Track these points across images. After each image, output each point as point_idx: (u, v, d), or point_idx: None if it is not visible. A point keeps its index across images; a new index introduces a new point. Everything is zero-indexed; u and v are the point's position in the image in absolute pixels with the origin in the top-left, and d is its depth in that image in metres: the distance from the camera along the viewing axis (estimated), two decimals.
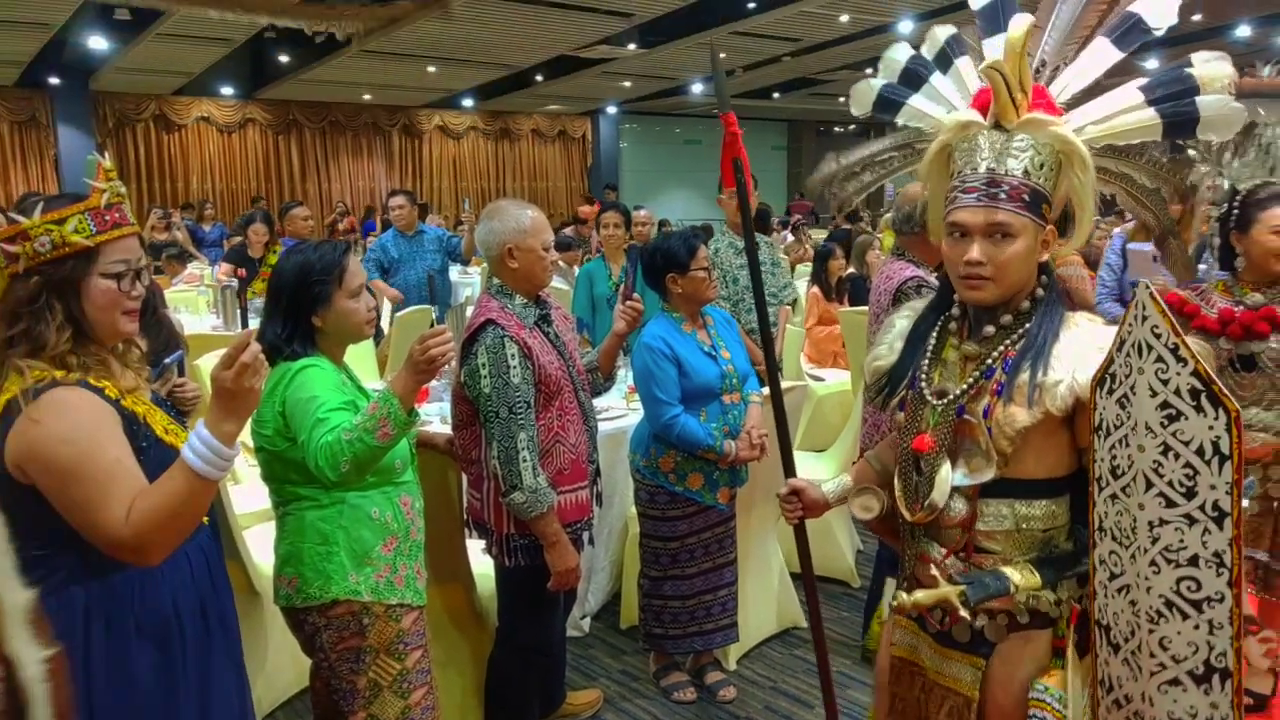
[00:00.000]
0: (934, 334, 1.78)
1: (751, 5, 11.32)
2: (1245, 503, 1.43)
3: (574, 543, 2.67)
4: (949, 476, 1.67)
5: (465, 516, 2.83)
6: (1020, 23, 1.60)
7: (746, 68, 15.11)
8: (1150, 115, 1.62)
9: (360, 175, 18.32)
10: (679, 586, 3.10)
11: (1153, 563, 1.41)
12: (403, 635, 2.22)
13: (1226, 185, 2.79)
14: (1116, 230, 4.36)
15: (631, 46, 13.18)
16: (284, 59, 13.66)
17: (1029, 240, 1.61)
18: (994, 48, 1.72)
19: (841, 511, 4.14)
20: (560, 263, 7.89)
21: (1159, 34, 1.65)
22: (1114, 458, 1.45)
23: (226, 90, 16.02)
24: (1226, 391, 1.31)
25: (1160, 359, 1.36)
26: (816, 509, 2.01)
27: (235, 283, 6.47)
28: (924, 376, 1.75)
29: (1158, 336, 1.36)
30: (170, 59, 12.74)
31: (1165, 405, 1.35)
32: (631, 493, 3.30)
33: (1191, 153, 2.51)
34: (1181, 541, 1.38)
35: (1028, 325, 1.65)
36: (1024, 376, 1.60)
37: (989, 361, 1.67)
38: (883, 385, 1.85)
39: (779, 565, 3.74)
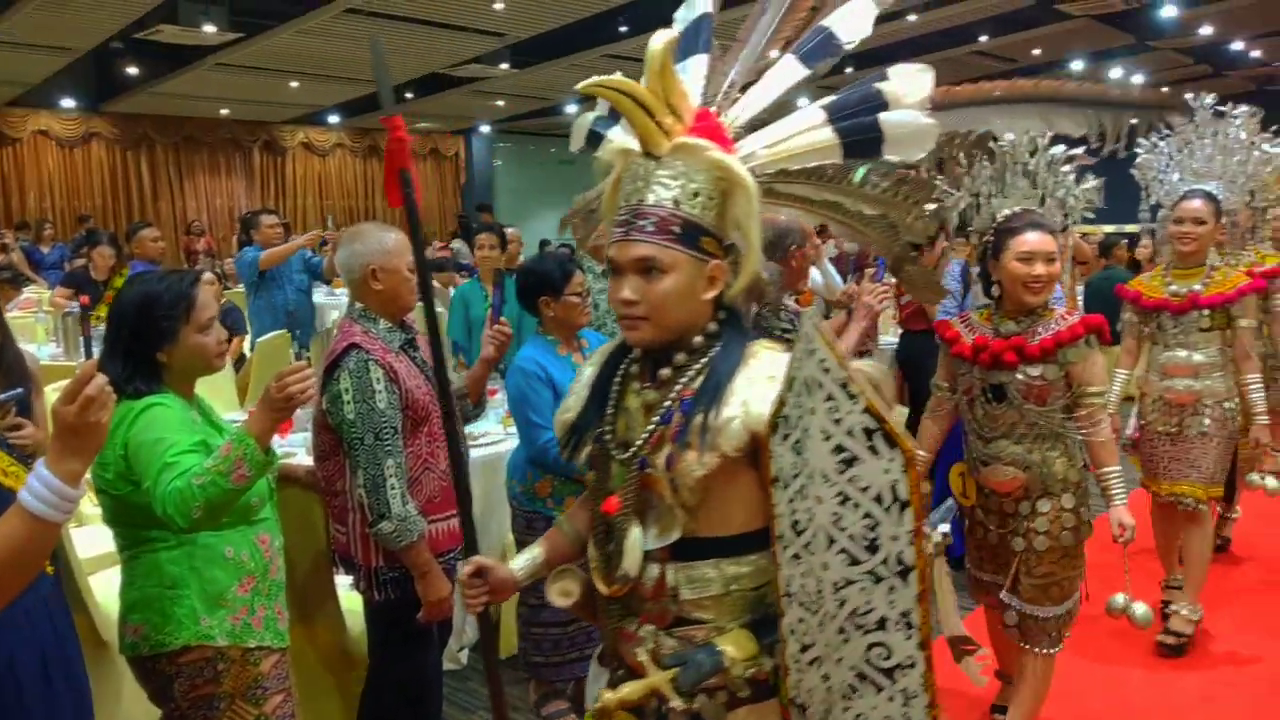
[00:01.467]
0: (616, 380, 1.61)
1: (624, 29, 11.42)
2: (931, 546, 1.45)
3: (447, 572, 2.59)
4: (639, 541, 1.50)
5: (331, 551, 2.71)
6: (659, 38, 1.42)
7: None
8: (827, 135, 1.48)
9: (218, 194, 17.53)
10: (558, 613, 3.01)
11: (841, 629, 1.29)
12: (261, 680, 2.11)
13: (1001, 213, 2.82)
14: (955, 257, 4.51)
15: (504, 66, 13.10)
16: (133, 70, 12.98)
17: (685, 276, 1.46)
18: (687, 71, 1.58)
19: None
20: (434, 284, 7.80)
21: (850, 48, 1.56)
22: (794, 511, 1.31)
23: (68, 102, 15.07)
24: (898, 429, 1.21)
25: (831, 397, 1.24)
26: (505, 590, 1.74)
27: (77, 308, 6.07)
28: (609, 429, 1.58)
29: (826, 371, 1.24)
30: (3, 68, 11.93)
31: (839, 449, 1.23)
32: (509, 520, 3.23)
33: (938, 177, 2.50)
34: (868, 603, 1.26)
35: (706, 361, 1.51)
36: (699, 418, 1.45)
37: (666, 405, 1.51)
38: (569, 440, 1.66)
39: None
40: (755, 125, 1.55)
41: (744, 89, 1.61)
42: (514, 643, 3.32)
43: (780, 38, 1.62)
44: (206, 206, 17.22)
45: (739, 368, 1.48)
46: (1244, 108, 4.04)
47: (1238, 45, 16.24)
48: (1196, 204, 3.59)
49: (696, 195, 1.45)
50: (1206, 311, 3.56)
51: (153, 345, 2.05)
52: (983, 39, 13.79)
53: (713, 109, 1.55)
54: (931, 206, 1.62)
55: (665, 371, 1.53)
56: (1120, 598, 2.75)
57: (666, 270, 1.45)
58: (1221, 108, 3.96)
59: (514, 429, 3.39)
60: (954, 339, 2.81)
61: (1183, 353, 3.60)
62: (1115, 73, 16.96)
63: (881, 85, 1.48)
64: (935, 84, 1.48)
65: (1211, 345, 3.59)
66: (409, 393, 2.49)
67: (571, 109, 16.98)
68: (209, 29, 10.04)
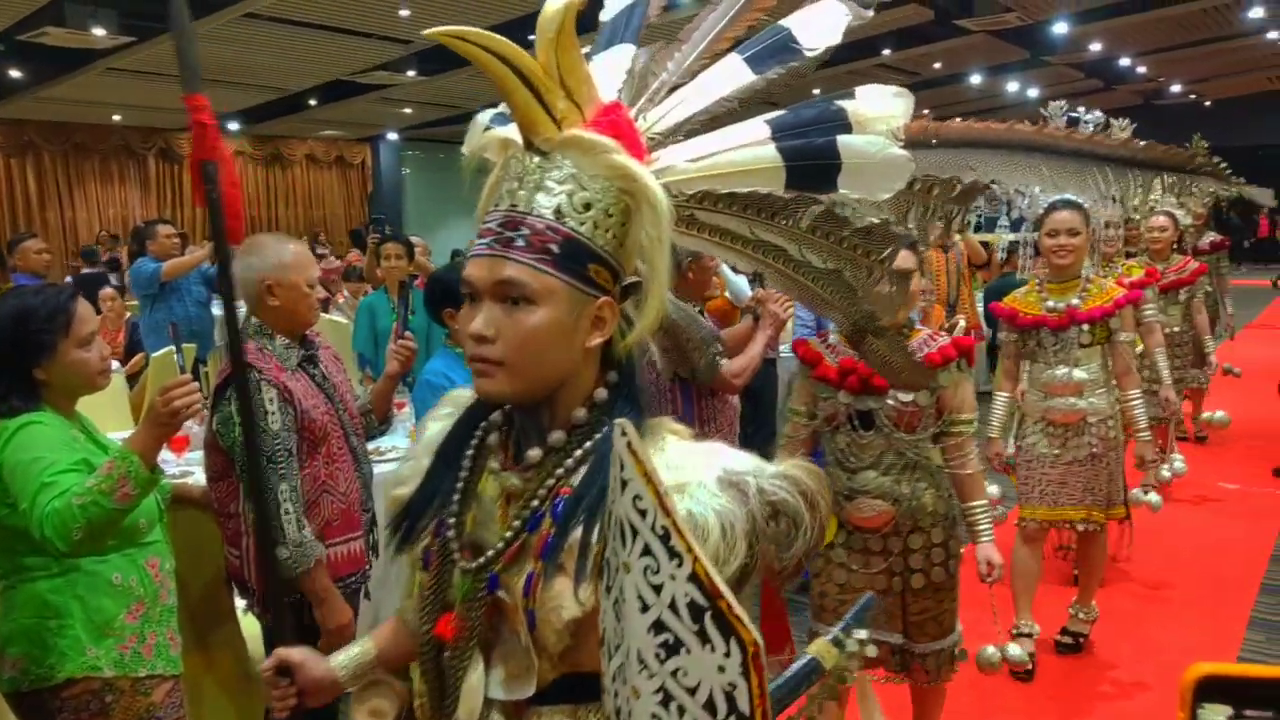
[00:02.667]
0: (470, 450, 1.20)
1: (532, 38, 11.37)
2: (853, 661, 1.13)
3: (350, 597, 2.51)
4: (481, 684, 1.12)
5: (227, 574, 2.60)
6: (557, 1, 1.09)
7: None
8: (768, 155, 1.14)
9: (111, 203, 16.87)
10: None
11: None
12: (154, 710, 2.04)
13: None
14: None
15: (411, 73, 12.92)
16: (16, 74, 12.39)
17: (562, 312, 1.08)
18: (605, 61, 1.26)
19: None
20: (346, 294, 7.60)
21: (814, 56, 1.25)
22: (617, 696, 0.93)
23: None
24: (741, 612, 0.82)
25: (649, 551, 0.85)
26: (321, 692, 1.36)
27: None
28: (452, 519, 1.16)
29: (642, 514, 0.85)
30: None
31: (660, 627, 0.85)
32: None
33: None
34: None
35: (591, 446, 1.11)
36: (577, 532, 1.05)
37: (534, 504, 1.11)
38: (399, 524, 1.23)
39: None
40: (683, 135, 1.21)
41: (675, 91, 1.28)
42: None
43: (729, 37, 1.32)
44: (99, 216, 16.54)
45: None
46: (1096, 112, 3.88)
47: (1125, 61, 17.02)
48: (1067, 214, 3.42)
49: (588, 208, 1.08)
50: (1086, 326, 3.44)
51: (29, 361, 1.96)
52: (885, 52, 14.14)
53: (630, 108, 1.20)
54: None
55: (535, 453, 1.13)
56: (990, 651, 2.66)
57: (536, 301, 1.07)
58: (1075, 114, 3.82)
59: None
60: (815, 361, 2.57)
61: (1063, 370, 3.46)
62: (1011, 86, 17.60)
63: (846, 103, 1.17)
64: (913, 113, 1.19)
65: (1093, 361, 3.48)
66: (305, 413, 2.40)
67: (484, 115, 16.83)
68: (98, 32, 9.64)
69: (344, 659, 1.36)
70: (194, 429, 3.92)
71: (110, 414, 4.52)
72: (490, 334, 1.08)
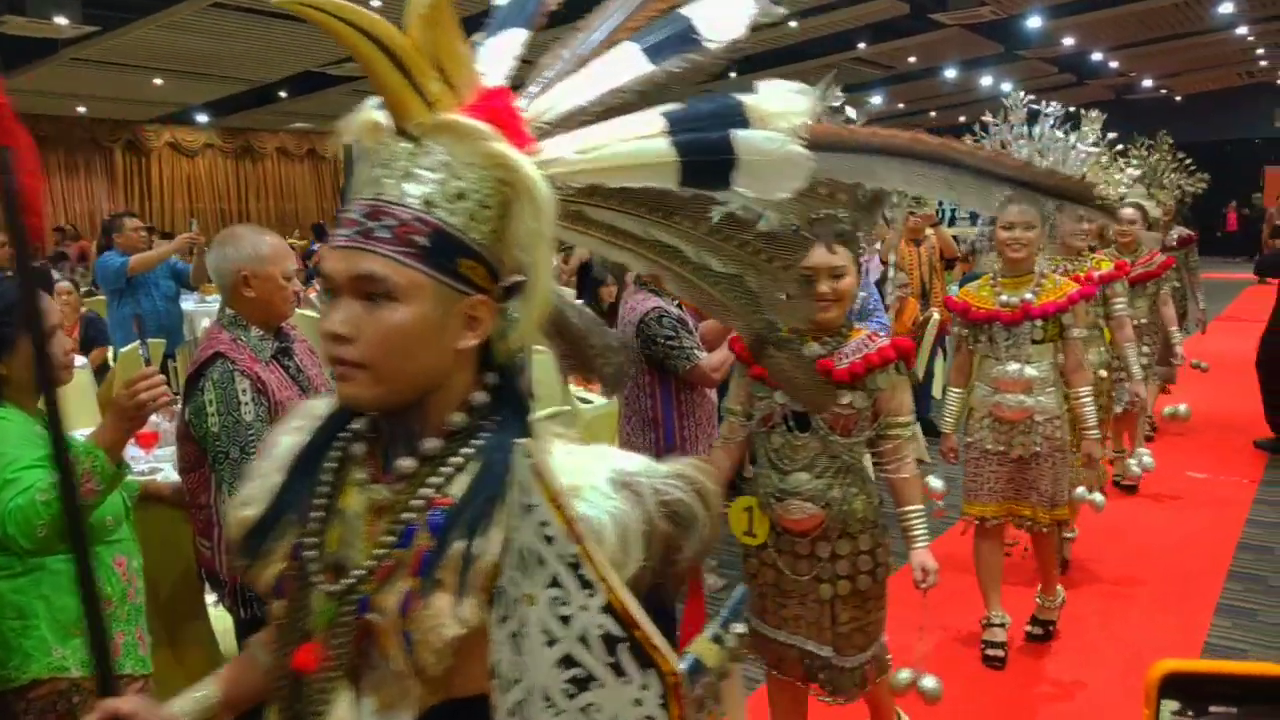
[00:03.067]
0: (331, 462, 1.10)
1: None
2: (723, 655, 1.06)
3: None
4: (352, 717, 1.02)
5: (199, 569, 2.57)
6: None
7: None
8: (661, 149, 1.04)
9: (76, 196, 16.64)
10: None
11: None
12: None
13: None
14: None
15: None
16: None
17: (428, 310, 0.99)
18: (493, 44, 1.18)
19: None
20: (318, 288, 7.53)
21: (715, 48, 1.17)
22: None
23: None
24: (660, 641, 0.78)
25: (557, 582, 0.80)
26: None
27: None
28: (312, 539, 1.06)
29: (549, 541, 0.80)
30: None
31: (569, 661, 0.80)
32: None
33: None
34: None
35: (473, 453, 1.03)
36: (459, 544, 0.97)
37: (407, 516, 1.02)
38: (250, 547, 1.11)
39: None
40: (574, 125, 1.12)
41: (567, 79, 1.19)
42: None
43: (630, 26, 1.22)
44: (65, 210, 16.30)
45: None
46: (1055, 105, 3.88)
47: (1097, 56, 17.18)
48: (1017, 208, 3.32)
49: (461, 198, 0.99)
50: (1039, 322, 3.37)
51: None
52: (861, 46, 14.19)
53: (518, 95, 1.12)
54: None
55: (407, 462, 1.03)
56: (905, 673, 2.54)
57: (399, 298, 0.98)
58: (1036, 106, 3.81)
59: None
60: (749, 361, 2.49)
61: (1015, 366, 3.41)
62: (985, 80, 17.72)
63: (744, 97, 1.08)
64: (815, 114, 1.10)
65: (1044, 359, 3.42)
66: (279, 404, 2.38)
67: None
68: (61, 20, 9.46)
69: (185, 704, 1.23)
70: (163, 425, 3.87)
71: (78, 410, 4.44)
72: (349, 333, 0.99)
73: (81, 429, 2.41)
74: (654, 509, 0.97)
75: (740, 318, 1.24)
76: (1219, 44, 16.98)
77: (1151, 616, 3.95)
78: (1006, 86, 18.60)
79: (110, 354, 6.05)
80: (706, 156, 1.06)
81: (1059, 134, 3.79)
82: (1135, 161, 6.70)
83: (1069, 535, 4.35)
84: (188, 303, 7.28)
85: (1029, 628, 3.75)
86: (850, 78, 17.30)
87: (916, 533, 2.49)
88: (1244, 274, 18.18)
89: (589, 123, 1.11)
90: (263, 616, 2.40)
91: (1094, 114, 4.21)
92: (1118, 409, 4.66)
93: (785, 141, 1.06)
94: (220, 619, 2.80)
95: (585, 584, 0.79)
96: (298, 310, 4.81)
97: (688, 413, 3.24)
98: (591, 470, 0.98)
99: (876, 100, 19.45)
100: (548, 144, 1.07)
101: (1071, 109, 4.09)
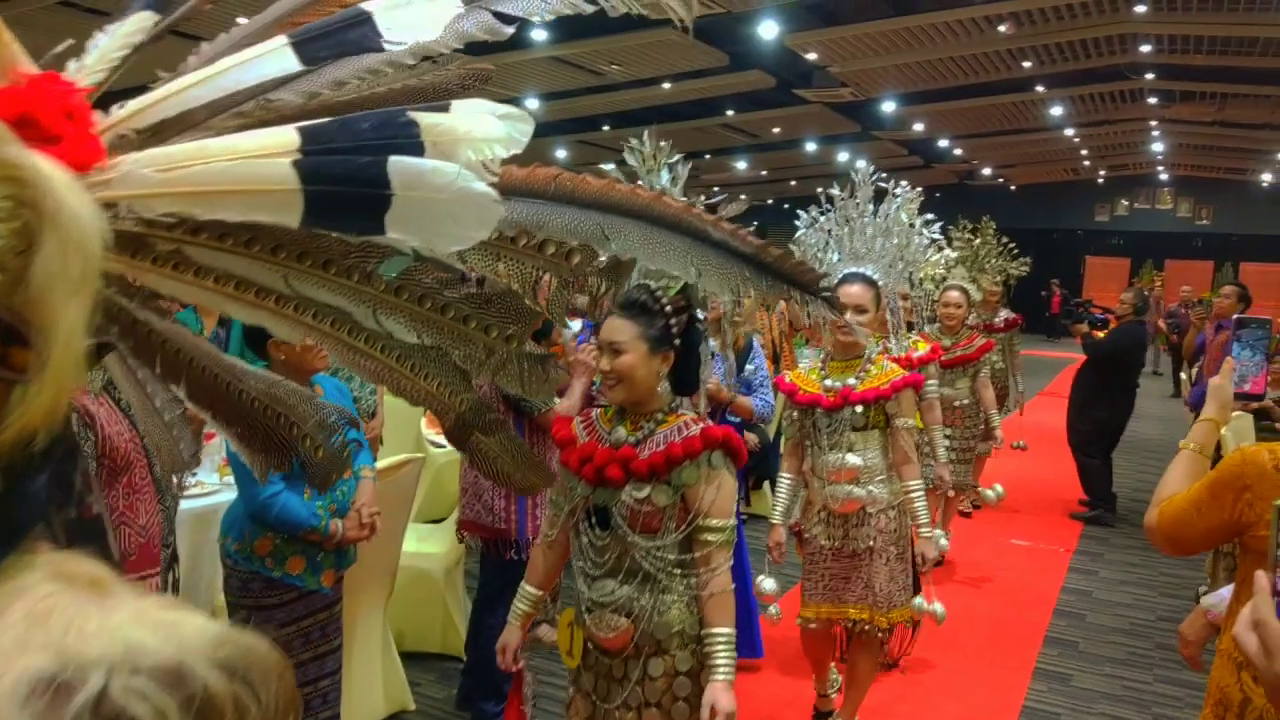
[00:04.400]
0: None
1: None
2: None
3: None
4: None
5: None
6: None
7: None
8: (280, 172, 0.76)
9: None
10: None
11: None
12: None
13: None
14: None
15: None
16: None
17: None
18: (104, 41, 0.91)
19: (453, 583, 4.05)
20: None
21: (398, 51, 0.89)
22: None
23: None
24: None
25: None
26: None
27: None
28: None
29: None
30: None
31: None
32: (221, 580, 2.96)
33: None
34: None
35: None
36: None
37: None
38: None
39: (387, 645, 3.55)
40: (177, 135, 0.83)
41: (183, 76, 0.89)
42: None
43: (295, 21, 0.96)
44: None
45: None
46: (905, 184, 3.72)
47: (944, 143, 18.34)
48: (856, 289, 3.20)
49: None
50: (859, 408, 3.16)
51: None
52: (730, 113, 14.69)
53: (98, 89, 0.84)
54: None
55: None
56: None
57: None
58: (885, 185, 3.63)
59: (231, 479, 3.14)
60: (566, 441, 2.22)
61: (836, 455, 3.18)
62: (843, 155, 18.61)
63: (423, 114, 0.79)
64: (517, 146, 0.81)
65: (870, 447, 3.19)
66: (107, 439, 2.25)
67: None
68: None
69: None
70: None
71: None
72: None
73: None
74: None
75: (436, 399, 1.00)
76: (1050, 142, 18.45)
77: (972, 676, 4.12)
78: (861, 163, 19.58)
79: None
80: (343, 188, 0.77)
81: (903, 216, 3.62)
82: (958, 244, 6.97)
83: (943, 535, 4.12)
84: None
85: None
86: (719, 142, 17.88)
87: (718, 662, 2.05)
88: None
89: (207, 135, 0.83)
90: None
91: (913, 192, 3.97)
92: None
93: (461, 176, 0.77)
94: None
95: None
96: None
97: (541, 457, 3.23)
98: (32, 650, 0.53)
99: (741, 165, 20.13)
100: (131, 157, 0.79)
101: (920, 189, 4.13)
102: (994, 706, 3.87)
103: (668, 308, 2.12)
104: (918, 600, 3.34)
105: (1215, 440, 2.04)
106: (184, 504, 3.34)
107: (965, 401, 5.31)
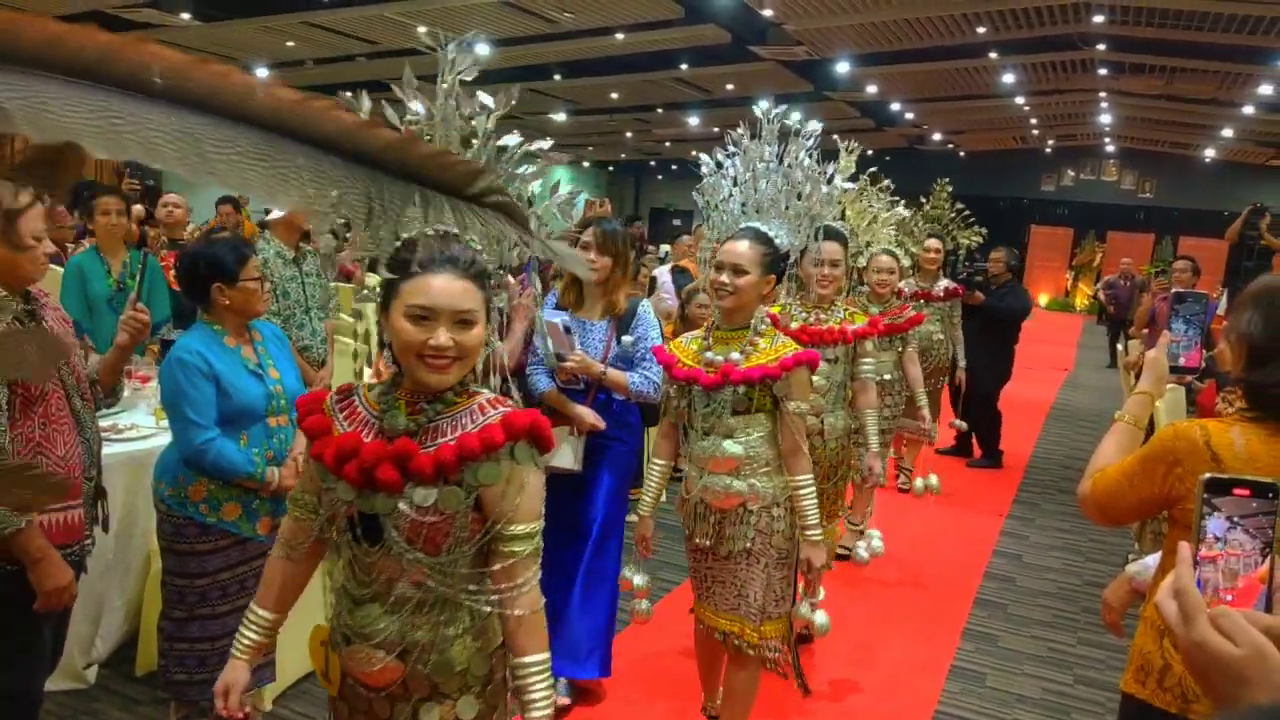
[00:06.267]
0: None
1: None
2: None
3: (75, 560, 2.38)
4: None
5: None
6: None
7: (318, 61, 14.46)
8: None
9: None
10: (208, 627, 2.78)
11: None
12: None
13: None
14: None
15: (185, 16, 11.94)
16: None
17: None
18: None
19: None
20: (86, 246, 6.86)
21: None
22: None
23: None
24: None
25: None
26: None
27: None
28: None
29: None
30: None
31: None
32: (155, 525, 2.90)
33: None
34: None
35: None
36: None
37: None
38: None
39: (325, 594, 3.52)
40: None
41: None
42: (154, 658, 2.99)
43: None
44: None
45: None
46: (814, 123, 3.21)
47: (896, 106, 18.39)
48: (738, 245, 2.70)
49: None
50: (742, 388, 2.67)
51: None
52: (683, 67, 14.54)
53: None
54: None
55: None
56: None
57: None
58: (788, 123, 3.16)
59: (166, 424, 3.08)
60: (319, 429, 1.72)
61: (710, 440, 2.72)
62: (795, 115, 18.56)
63: None
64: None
65: (753, 432, 2.71)
66: None
67: (262, 72, 15.84)
68: None
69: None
70: None
71: None
72: None
73: None
74: None
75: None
76: (1001, 109, 18.60)
77: (902, 638, 4.23)
78: (813, 125, 19.57)
79: None
80: None
81: (808, 160, 3.07)
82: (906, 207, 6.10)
83: (817, 599, 3.28)
84: None
85: None
86: (671, 96, 17.73)
87: (534, 697, 1.65)
88: None
89: None
90: (9, 592, 2.21)
91: (851, 144, 3.83)
92: (856, 478, 4.16)
93: None
94: None
95: None
96: (55, 269, 4.37)
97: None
98: None
99: (694, 121, 19.99)
100: None
101: (869, 152, 3.97)
102: (922, 664, 3.98)
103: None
104: (800, 607, 2.87)
105: (1149, 413, 2.09)
106: (119, 447, 3.28)
107: (888, 377, 4.77)
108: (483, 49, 12.82)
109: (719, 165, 3.04)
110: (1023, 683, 3.92)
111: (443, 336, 1.58)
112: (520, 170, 1.90)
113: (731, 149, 3.05)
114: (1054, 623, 4.56)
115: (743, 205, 3.00)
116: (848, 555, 4.11)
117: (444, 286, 1.57)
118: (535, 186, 1.92)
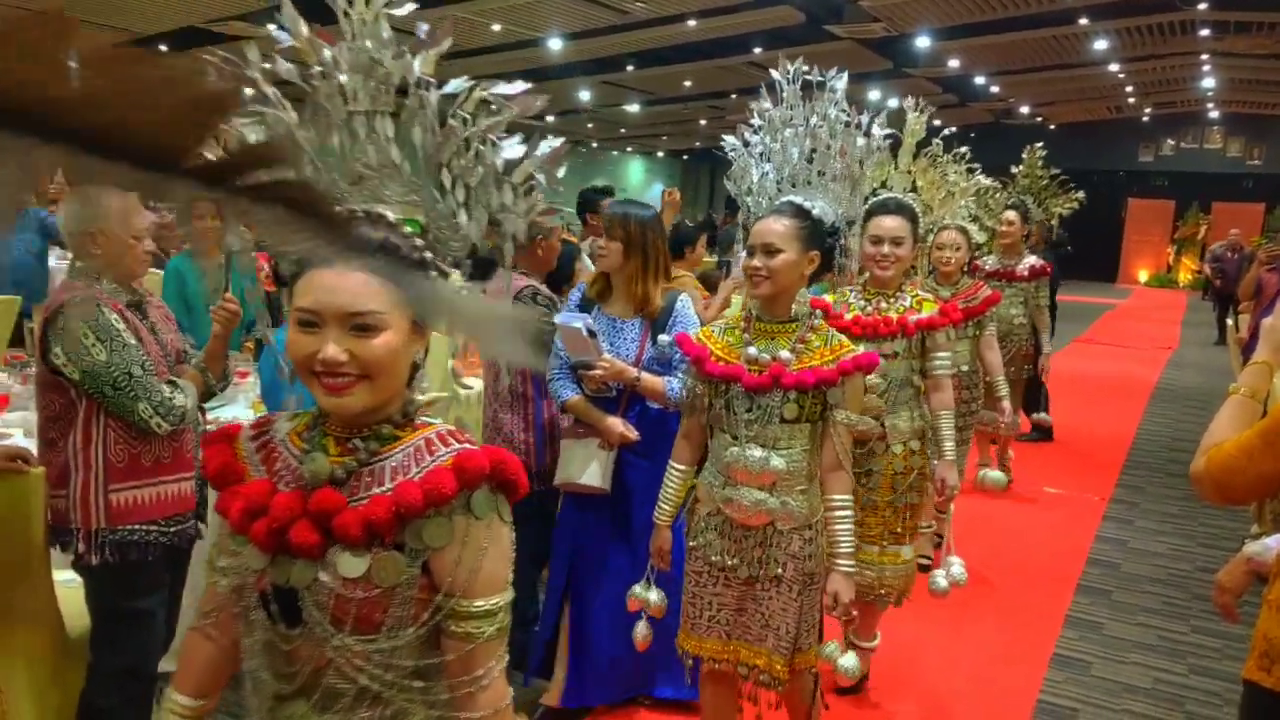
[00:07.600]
0: None
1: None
2: None
3: (175, 547, 2.53)
4: None
5: (46, 531, 2.49)
6: None
7: None
8: None
9: None
10: None
11: None
12: None
13: None
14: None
15: (271, 28, 12.29)
16: None
17: None
18: None
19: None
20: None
21: None
22: None
23: None
24: None
25: None
26: None
27: None
28: None
29: None
30: None
31: None
32: None
33: None
34: None
35: None
36: None
37: None
38: None
39: None
40: None
41: None
42: None
43: None
44: None
45: None
46: (836, 71, 2.88)
47: (980, 80, 17.88)
48: (774, 225, 2.35)
49: None
50: (792, 395, 2.33)
51: None
52: (756, 50, 14.38)
53: None
54: None
55: None
56: None
57: None
58: (809, 75, 2.84)
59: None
60: (225, 474, 1.34)
61: (757, 451, 2.34)
62: (874, 94, 18.22)
63: None
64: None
65: (796, 444, 2.35)
66: (141, 344, 2.40)
67: None
68: None
69: None
70: (15, 389, 3.64)
71: None
72: None
73: None
74: None
75: None
76: (1092, 78, 17.92)
77: (1002, 622, 4.11)
78: (893, 102, 19.17)
79: None
80: None
81: (833, 111, 2.74)
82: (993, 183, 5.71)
83: (868, 644, 3.29)
84: (56, 260, 6.87)
85: None
86: (744, 81, 17.56)
87: None
88: (1104, 298, 19.31)
89: None
90: (116, 563, 2.37)
91: (922, 103, 3.74)
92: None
93: None
94: (66, 596, 2.66)
95: None
96: (155, 272, 4.55)
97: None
98: None
99: (767, 105, 19.79)
100: None
101: (954, 129, 3.80)
102: (1023, 653, 3.87)
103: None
104: (828, 647, 2.47)
105: (1268, 385, 1.97)
106: None
107: (965, 368, 4.24)
108: (555, 44, 12.87)
109: (745, 144, 2.76)
110: (1131, 671, 3.77)
111: (330, 349, 1.19)
112: (481, 125, 1.37)
113: (756, 121, 2.76)
114: (1164, 610, 4.37)
115: (778, 183, 2.69)
116: (928, 566, 3.79)
117: (332, 283, 1.20)
118: (509, 147, 1.36)
